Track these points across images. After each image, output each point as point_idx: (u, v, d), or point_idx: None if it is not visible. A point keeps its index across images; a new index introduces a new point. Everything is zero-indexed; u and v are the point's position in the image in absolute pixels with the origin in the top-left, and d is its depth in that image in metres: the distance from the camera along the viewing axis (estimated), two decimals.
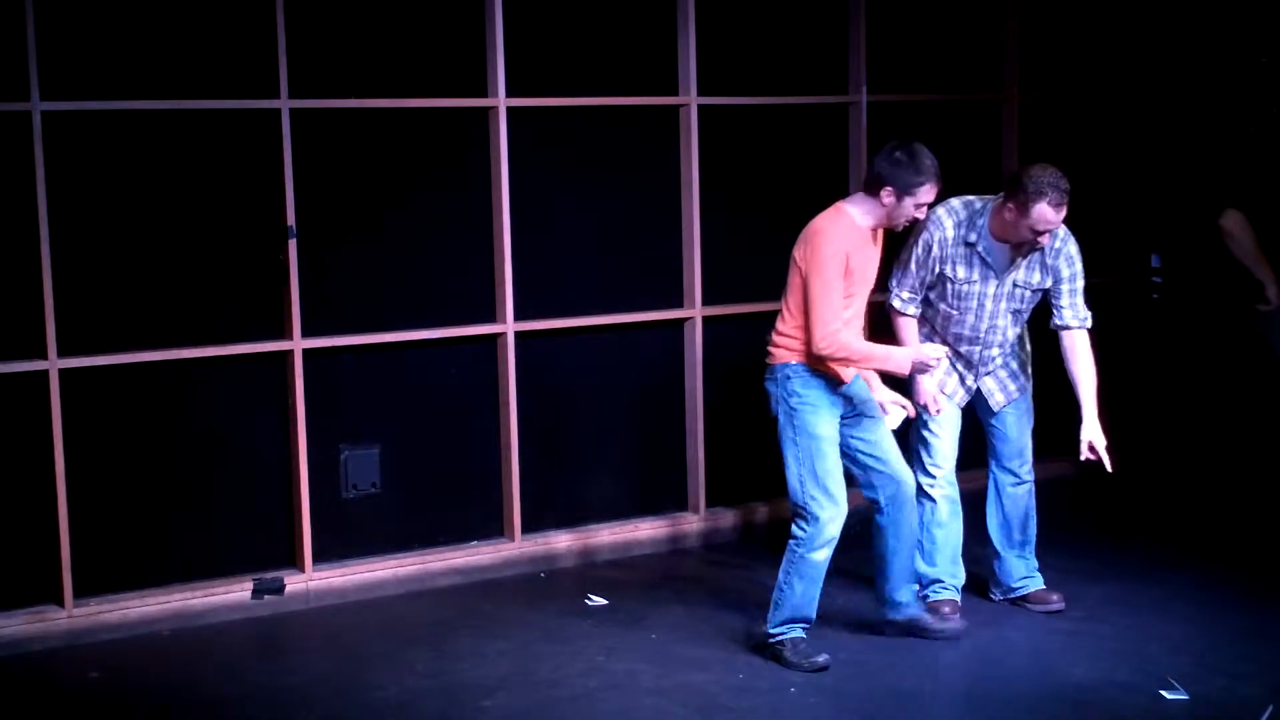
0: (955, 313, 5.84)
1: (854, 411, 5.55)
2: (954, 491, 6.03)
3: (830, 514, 5.44)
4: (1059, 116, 8.08)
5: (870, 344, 5.47)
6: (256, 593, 6.36)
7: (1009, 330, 5.93)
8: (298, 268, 6.33)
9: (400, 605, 6.43)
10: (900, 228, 5.51)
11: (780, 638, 5.56)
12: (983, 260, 5.76)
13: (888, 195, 5.34)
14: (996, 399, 6.02)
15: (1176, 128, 8.25)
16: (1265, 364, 7.07)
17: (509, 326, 6.77)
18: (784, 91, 7.36)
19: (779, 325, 5.54)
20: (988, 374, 5.99)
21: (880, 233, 5.56)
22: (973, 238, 5.75)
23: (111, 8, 6.01)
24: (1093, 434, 5.82)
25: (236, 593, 6.33)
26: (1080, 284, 5.88)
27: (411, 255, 6.64)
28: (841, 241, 5.37)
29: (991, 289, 5.80)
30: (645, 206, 7.13)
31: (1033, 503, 6.14)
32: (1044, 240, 5.68)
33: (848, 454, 5.60)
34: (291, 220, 6.30)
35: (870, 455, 5.57)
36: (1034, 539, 6.17)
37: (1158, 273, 8.41)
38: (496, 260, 6.74)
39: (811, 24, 7.45)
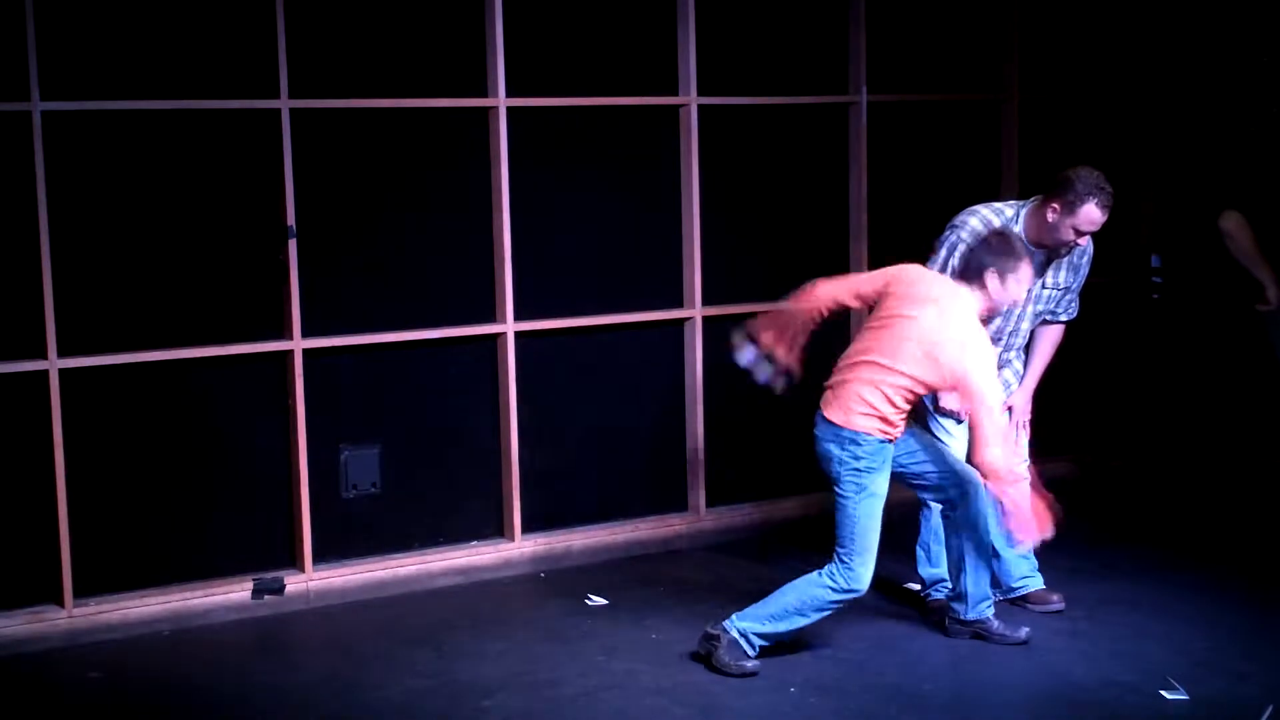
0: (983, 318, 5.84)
1: (911, 446, 5.63)
2: None
3: (865, 571, 5.46)
4: (1059, 116, 8.08)
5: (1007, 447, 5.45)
6: (256, 593, 6.36)
7: (1027, 337, 5.96)
8: (298, 268, 6.33)
9: (400, 605, 6.43)
10: (1002, 310, 5.58)
11: (735, 637, 5.51)
12: None
13: (992, 279, 5.42)
14: (1011, 395, 6.02)
15: (1176, 128, 8.24)
16: (1265, 364, 7.06)
17: (509, 326, 6.77)
18: (784, 91, 7.36)
19: (867, 379, 5.42)
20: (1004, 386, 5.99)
21: None
22: None
23: (111, 8, 6.01)
24: (1021, 401, 6.03)
25: (236, 593, 6.33)
26: (1083, 284, 5.98)
27: (411, 255, 6.65)
28: (980, 324, 5.46)
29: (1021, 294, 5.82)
30: (645, 206, 7.13)
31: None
32: (1083, 241, 5.71)
33: (905, 472, 5.64)
34: (291, 220, 6.30)
35: (927, 460, 5.62)
36: None
37: (1158, 273, 8.40)
38: (496, 260, 6.74)
39: (811, 24, 7.45)
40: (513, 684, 5.46)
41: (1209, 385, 8.21)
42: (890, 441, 5.47)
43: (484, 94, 6.68)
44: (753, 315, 7.24)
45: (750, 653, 5.51)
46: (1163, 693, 5.23)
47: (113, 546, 6.17)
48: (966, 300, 5.44)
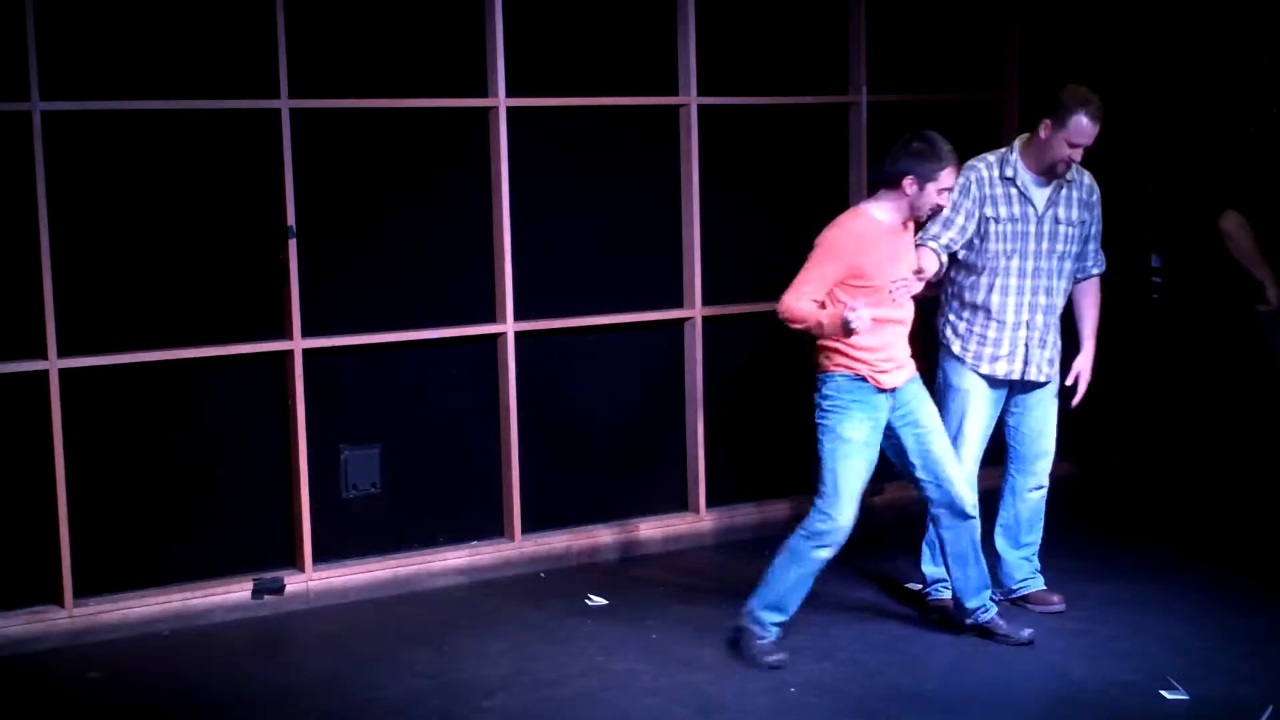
0: (1002, 260, 5.82)
1: (902, 418, 5.57)
2: (973, 494, 6.01)
3: (837, 514, 5.48)
4: None
5: (812, 309, 5.43)
6: (256, 593, 6.36)
7: (1055, 282, 5.89)
8: (298, 268, 6.33)
9: (400, 605, 6.43)
10: (925, 216, 5.58)
11: (752, 627, 5.58)
12: (1022, 195, 5.82)
13: (910, 185, 5.43)
14: (1043, 371, 5.94)
15: (1176, 128, 8.24)
16: (1265, 364, 7.06)
17: (509, 326, 6.77)
18: (784, 91, 7.36)
19: None
20: (1040, 347, 5.92)
21: (911, 229, 5.64)
22: (1009, 172, 5.83)
23: (111, 8, 6.01)
24: (1085, 365, 6.02)
25: (236, 593, 6.33)
26: (1100, 229, 6.03)
27: (411, 255, 6.64)
28: (847, 232, 5.48)
29: (1033, 226, 5.82)
30: (645, 206, 7.13)
31: (1043, 506, 6.15)
32: (1077, 156, 5.74)
33: (901, 464, 5.65)
34: (291, 220, 6.30)
35: (923, 468, 5.61)
36: (1039, 541, 6.17)
37: (1158, 273, 8.41)
38: (496, 260, 6.74)
39: (811, 24, 7.45)
40: (513, 684, 5.46)
41: (1209, 385, 8.21)
42: (868, 384, 5.45)
43: (484, 94, 6.68)
44: (753, 315, 7.29)
45: (766, 635, 5.55)
46: (1163, 693, 5.23)
47: (113, 546, 6.17)
48: (851, 212, 5.54)
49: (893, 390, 5.51)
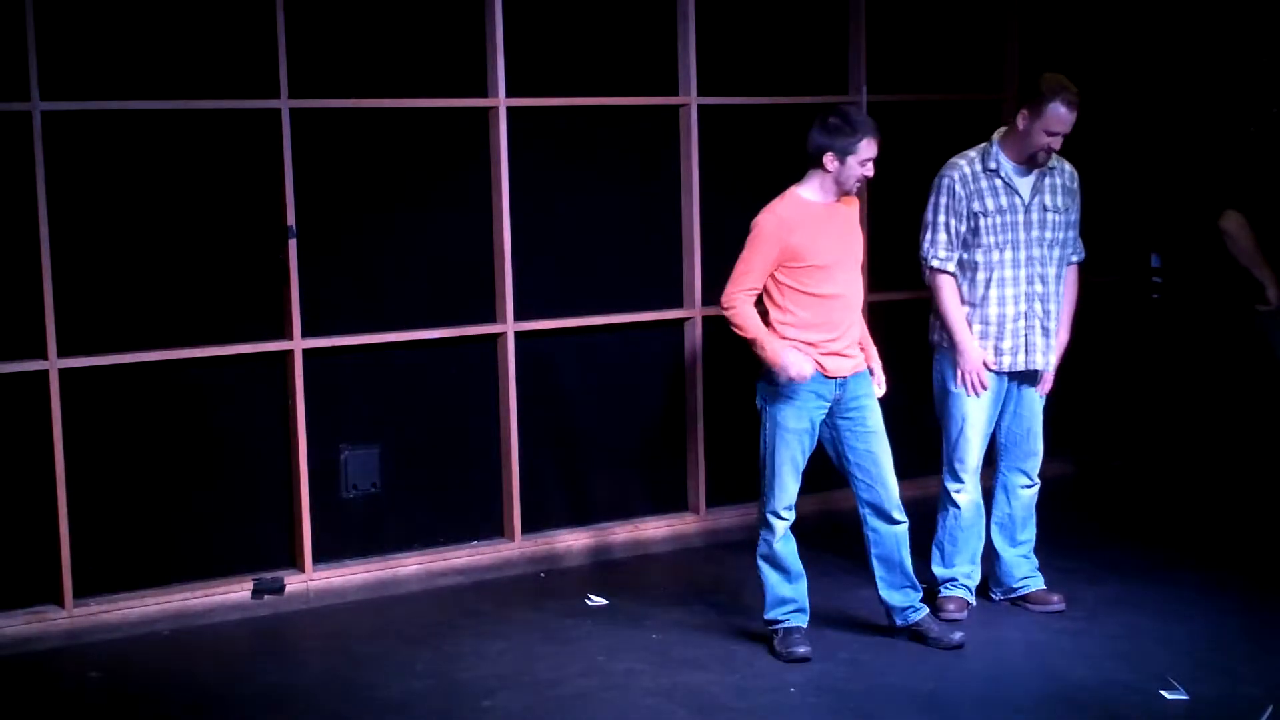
0: (995, 253, 5.81)
1: (846, 411, 5.58)
2: (978, 494, 6.01)
3: (771, 498, 5.57)
4: None
5: (759, 325, 5.52)
6: (256, 593, 6.36)
7: (1048, 269, 5.88)
8: (298, 268, 6.33)
9: (400, 605, 6.43)
10: (854, 189, 5.61)
11: (773, 626, 5.66)
12: (1007, 185, 5.82)
13: (831, 162, 5.50)
14: (1045, 359, 5.93)
15: (1176, 128, 8.24)
16: (1265, 364, 7.06)
17: (509, 326, 6.77)
18: (784, 91, 7.37)
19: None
20: (1042, 335, 5.90)
21: (855, 208, 5.66)
22: (992, 164, 5.83)
23: (111, 8, 6.01)
24: (1054, 358, 5.97)
25: (236, 593, 6.33)
26: (1079, 217, 6.01)
27: (411, 255, 6.65)
28: (773, 216, 5.55)
29: (1021, 216, 5.82)
30: (645, 206, 7.14)
31: (1034, 503, 6.14)
32: (1056, 144, 5.75)
33: (837, 458, 5.66)
34: (291, 220, 6.30)
35: (858, 465, 5.62)
36: (1034, 538, 6.17)
37: (1158, 273, 8.41)
38: (496, 260, 6.75)
39: (811, 24, 7.45)
40: (513, 684, 5.46)
41: (1209, 385, 8.21)
42: (815, 370, 5.47)
43: (484, 94, 6.68)
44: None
45: (779, 629, 5.62)
46: (1163, 693, 5.22)
47: (113, 546, 6.17)
48: (778, 198, 5.59)
49: (841, 380, 5.53)
